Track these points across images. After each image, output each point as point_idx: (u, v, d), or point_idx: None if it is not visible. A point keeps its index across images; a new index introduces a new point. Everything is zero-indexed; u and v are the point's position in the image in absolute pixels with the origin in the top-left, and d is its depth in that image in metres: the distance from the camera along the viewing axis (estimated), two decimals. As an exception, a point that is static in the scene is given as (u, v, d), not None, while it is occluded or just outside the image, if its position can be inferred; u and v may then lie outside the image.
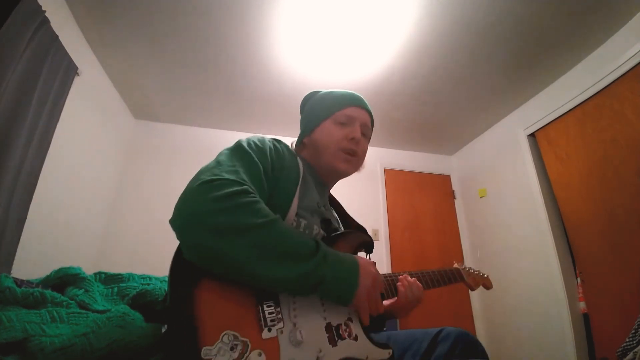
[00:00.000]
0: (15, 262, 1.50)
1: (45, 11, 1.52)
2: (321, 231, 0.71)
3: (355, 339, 0.60)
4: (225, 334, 0.46)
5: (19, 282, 0.74)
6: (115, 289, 0.87)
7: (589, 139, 2.05)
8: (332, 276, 0.55)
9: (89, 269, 0.90)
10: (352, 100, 0.83)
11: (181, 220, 0.49)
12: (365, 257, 0.74)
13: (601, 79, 1.96)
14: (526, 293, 2.38)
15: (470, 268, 1.04)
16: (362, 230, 0.83)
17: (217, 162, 0.59)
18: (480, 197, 2.99)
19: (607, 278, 1.88)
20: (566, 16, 1.79)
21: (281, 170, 0.68)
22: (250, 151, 0.64)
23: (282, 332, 0.51)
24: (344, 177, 0.86)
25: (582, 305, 2.04)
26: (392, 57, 2.14)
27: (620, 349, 1.27)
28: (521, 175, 2.53)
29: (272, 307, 0.53)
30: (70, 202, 2.06)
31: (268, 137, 0.76)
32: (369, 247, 0.79)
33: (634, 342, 1.25)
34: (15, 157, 1.46)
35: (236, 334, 0.47)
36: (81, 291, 0.77)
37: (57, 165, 1.86)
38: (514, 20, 1.82)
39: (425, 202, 3.25)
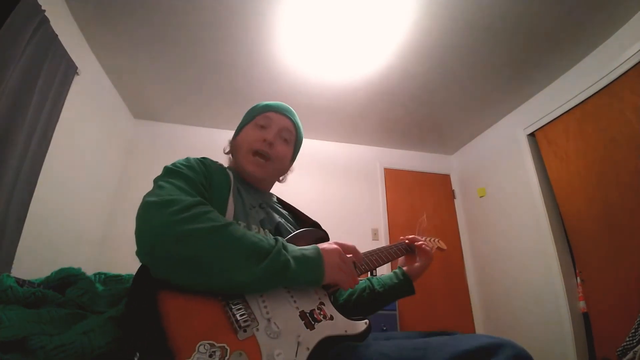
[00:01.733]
0: (15, 261, 1.50)
1: (44, 11, 1.52)
2: (261, 229, 0.73)
3: (331, 318, 0.61)
4: (200, 345, 0.46)
5: (21, 282, 0.74)
6: (113, 291, 0.87)
7: (589, 138, 2.05)
8: (295, 262, 0.57)
9: (88, 269, 0.90)
10: (274, 107, 0.86)
11: (145, 242, 0.50)
12: None
13: (601, 79, 1.96)
14: (526, 292, 2.38)
15: (421, 237, 1.04)
16: (316, 226, 0.85)
17: (159, 187, 0.59)
18: (480, 197, 2.99)
19: (607, 277, 1.88)
20: (566, 16, 1.79)
21: (211, 184, 0.70)
22: (182, 170, 0.66)
23: (257, 329, 0.51)
24: (261, 179, 0.84)
25: (582, 304, 2.04)
26: (391, 57, 2.14)
27: (620, 349, 1.28)
28: (521, 174, 2.53)
29: (242, 309, 0.53)
30: (69, 202, 2.06)
31: (192, 157, 0.76)
32: (324, 241, 0.80)
33: (634, 341, 1.26)
34: (15, 156, 1.46)
35: (212, 342, 0.47)
36: (82, 292, 0.77)
37: (56, 164, 1.86)
38: (514, 20, 1.82)
39: (425, 201, 3.25)
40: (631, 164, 1.78)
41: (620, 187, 1.84)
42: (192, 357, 0.44)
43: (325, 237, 0.81)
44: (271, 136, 0.81)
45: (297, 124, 0.91)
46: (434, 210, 3.25)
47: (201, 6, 1.77)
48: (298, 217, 0.91)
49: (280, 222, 0.80)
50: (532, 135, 2.52)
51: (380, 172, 3.25)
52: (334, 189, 3.07)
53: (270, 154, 0.80)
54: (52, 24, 1.60)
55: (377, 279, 0.92)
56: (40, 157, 1.66)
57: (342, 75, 2.32)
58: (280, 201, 0.95)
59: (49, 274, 0.85)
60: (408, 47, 2.05)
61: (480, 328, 2.80)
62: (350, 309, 0.86)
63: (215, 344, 0.46)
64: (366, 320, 0.64)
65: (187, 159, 0.73)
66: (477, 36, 1.94)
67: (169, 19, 1.86)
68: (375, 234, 2.96)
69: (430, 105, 2.67)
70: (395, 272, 0.92)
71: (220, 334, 0.48)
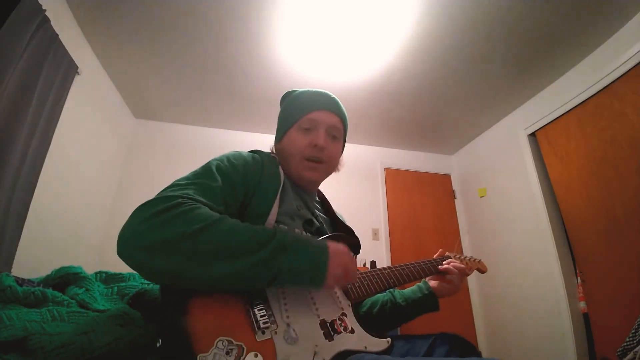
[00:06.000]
0: (15, 261, 1.50)
1: (45, 10, 1.52)
2: (304, 233, 0.72)
3: (352, 332, 0.60)
4: (219, 340, 0.46)
5: (20, 281, 0.74)
6: (115, 289, 0.87)
7: (590, 138, 2.05)
8: (291, 267, 0.52)
9: (89, 269, 0.90)
10: (316, 104, 0.79)
11: (119, 247, 0.50)
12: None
13: (602, 79, 1.96)
14: (526, 292, 2.38)
15: (460, 255, 1.01)
16: (349, 232, 0.83)
17: (174, 182, 0.59)
18: (481, 197, 2.99)
19: (607, 278, 1.88)
20: (567, 15, 1.79)
21: (259, 180, 0.68)
22: (213, 170, 0.63)
23: (275, 332, 0.51)
24: (316, 183, 0.85)
25: (582, 305, 2.04)
26: (392, 57, 2.14)
27: (620, 349, 1.27)
28: (521, 174, 2.53)
29: (263, 309, 0.53)
30: (70, 202, 2.06)
31: (245, 151, 0.75)
32: (355, 248, 0.79)
33: (634, 342, 1.25)
34: (16, 156, 1.46)
35: (230, 339, 0.47)
36: (82, 290, 0.77)
37: (57, 164, 1.86)
38: (515, 20, 1.82)
39: (425, 201, 3.25)
40: (632, 164, 1.78)
41: (621, 187, 1.84)
42: (209, 352, 0.45)
43: (357, 245, 0.78)
44: (321, 141, 0.76)
45: (344, 116, 0.84)
46: (435, 210, 3.24)
47: (202, 6, 1.77)
48: (334, 221, 0.88)
49: (320, 227, 0.79)
50: (532, 135, 2.51)
51: (380, 172, 3.25)
52: (334, 188, 3.05)
53: (322, 157, 0.77)
54: (53, 23, 1.60)
55: (399, 292, 0.88)
56: (40, 156, 1.66)
57: (343, 75, 2.32)
58: (320, 198, 0.93)
59: (49, 272, 0.85)
60: (409, 47, 2.04)
61: (480, 328, 2.80)
62: (371, 323, 0.83)
63: (234, 341, 0.47)
64: (388, 339, 0.63)
65: (237, 155, 0.70)
66: (478, 36, 1.94)
67: (170, 19, 1.86)
68: (375, 234, 2.96)
69: (430, 105, 2.67)
70: (419, 286, 0.87)
71: (239, 332, 0.49)
